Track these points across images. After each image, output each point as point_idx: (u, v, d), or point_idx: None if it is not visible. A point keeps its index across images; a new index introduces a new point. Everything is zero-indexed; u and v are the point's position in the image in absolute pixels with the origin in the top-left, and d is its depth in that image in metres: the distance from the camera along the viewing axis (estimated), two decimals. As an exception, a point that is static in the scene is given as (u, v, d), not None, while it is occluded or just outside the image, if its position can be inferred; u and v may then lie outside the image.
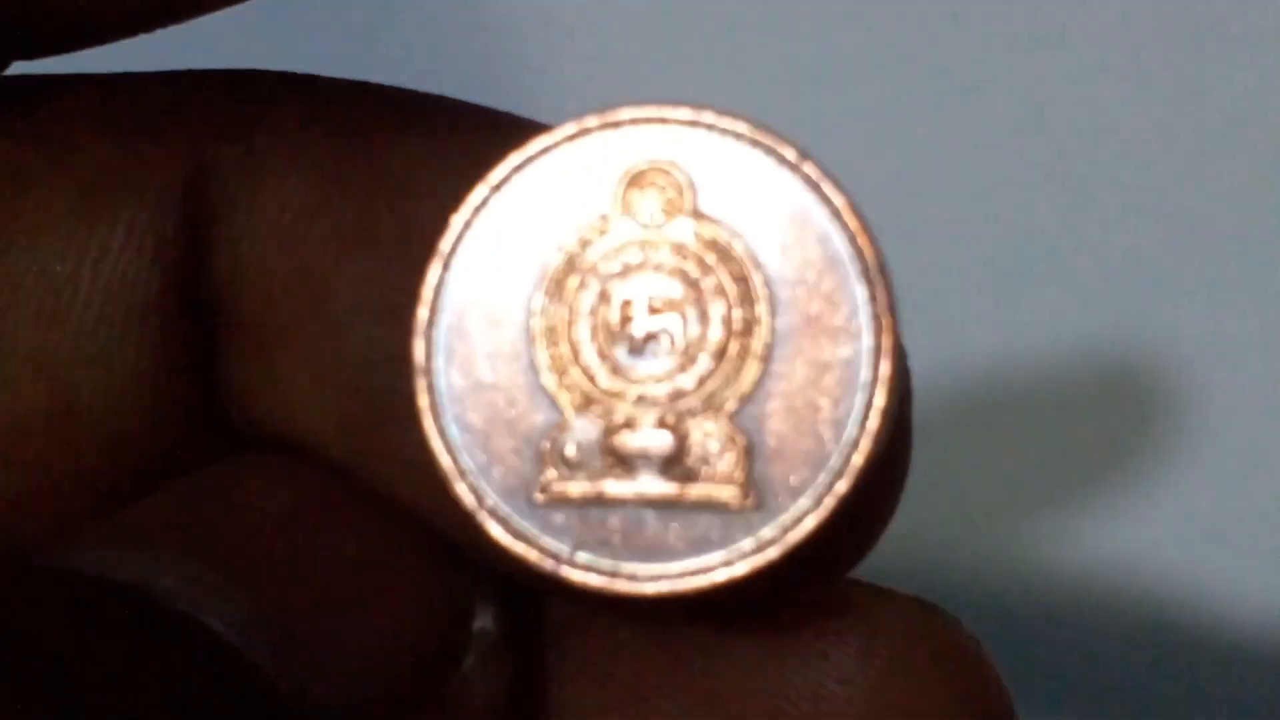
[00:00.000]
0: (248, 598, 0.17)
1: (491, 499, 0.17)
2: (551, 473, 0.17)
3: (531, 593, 0.19)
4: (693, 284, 0.17)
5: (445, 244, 0.17)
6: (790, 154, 0.17)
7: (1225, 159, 0.38)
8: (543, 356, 0.17)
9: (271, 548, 0.18)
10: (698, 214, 0.17)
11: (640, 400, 0.17)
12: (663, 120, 0.17)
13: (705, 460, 0.17)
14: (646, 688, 0.19)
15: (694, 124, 0.17)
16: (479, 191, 0.17)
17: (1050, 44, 0.38)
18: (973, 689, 0.19)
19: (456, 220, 0.17)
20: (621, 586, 0.17)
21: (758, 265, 0.17)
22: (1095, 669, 0.37)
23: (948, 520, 0.37)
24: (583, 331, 0.17)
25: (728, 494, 0.17)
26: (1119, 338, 0.38)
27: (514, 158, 0.17)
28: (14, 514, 0.19)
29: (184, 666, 0.17)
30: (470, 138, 0.19)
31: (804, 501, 0.17)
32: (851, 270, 0.17)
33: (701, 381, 0.17)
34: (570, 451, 0.17)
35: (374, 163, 0.19)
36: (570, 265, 0.17)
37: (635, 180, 0.17)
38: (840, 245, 0.17)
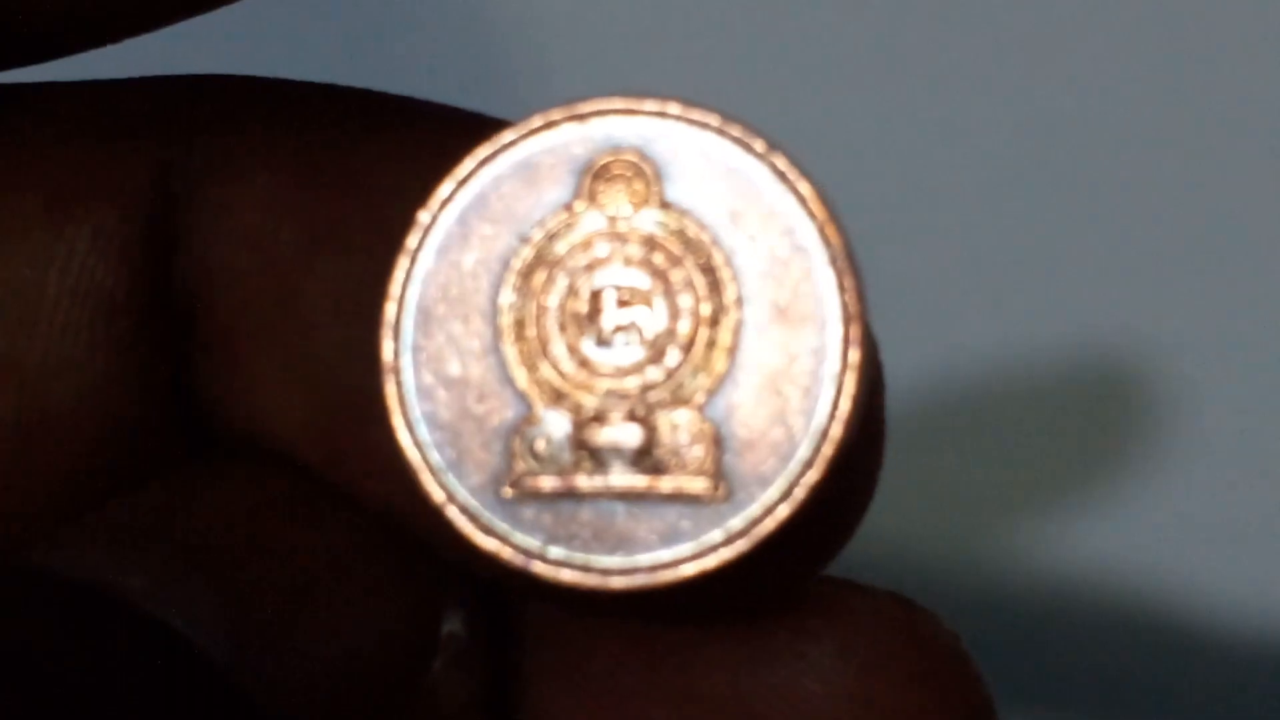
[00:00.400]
0: (215, 599, 0.17)
1: (461, 495, 0.17)
2: (521, 467, 0.17)
3: (503, 592, 0.19)
4: (661, 276, 0.17)
5: (412, 240, 0.17)
6: (758, 145, 0.17)
7: (1218, 158, 0.38)
8: (511, 351, 0.17)
9: (240, 548, 0.18)
10: (665, 205, 0.17)
11: (609, 393, 0.17)
12: (629, 112, 0.17)
13: (675, 452, 0.17)
14: (622, 687, 0.19)
15: (661, 115, 0.17)
16: (445, 187, 0.17)
17: (1046, 41, 0.38)
18: (952, 685, 0.18)
19: (423, 216, 0.17)
20: (593, 581, 0.17)
21: (726, 257, 0.17)
22: (1088, 668, 0.36)
23: (940, 520, 0.37)
24: (551, 325, 0.17)
25: (698, 486, 0.17)
26: (1110, 338, 0.38)
27: (480, 151, 0.17)
28: None
29: (150, 668, 0.16)
30: (439, 135, 0.19)
31: (774, 492, 0.17)
32: (818, 260, 0.17)
33: (670, 374, 0.17)
34: (540, 446, 0.17)
35: (343, 162, 0.19)
36: (538, 258, 0.17)
37: (602, 172, 0.17)
38: (807, 235, 0.17)
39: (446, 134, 0.19)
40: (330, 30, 0.38)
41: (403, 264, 0.17)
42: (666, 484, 0.17)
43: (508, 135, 0.17)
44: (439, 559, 0.18)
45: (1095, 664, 0.36)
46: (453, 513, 0.17)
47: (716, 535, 0.17)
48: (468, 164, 0.17)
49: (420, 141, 0.19)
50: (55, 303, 0.19)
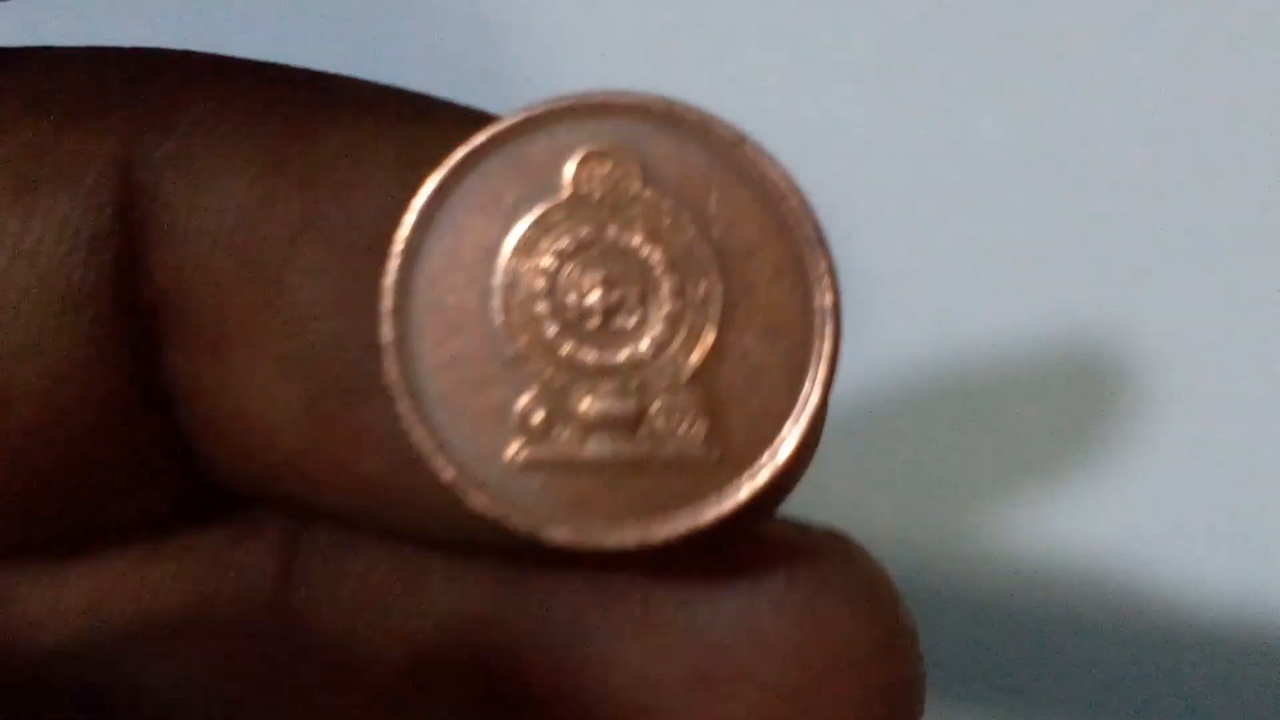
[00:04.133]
0: None
1: (468, 468, 0.18)
2: (523, 440, 0.18)
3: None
4: (646, 257, 0.18)
5: (404, 228, 0.18)
6: (731, 134, 0.18)
7: (1200, 151, 0.38)
8: (506, 331, 0.18)
9: None
10: (647, 192, 0.18)
11: (602, 368, 0.18)
12: (609, 106, 0.18)
13: (668, 420, 0.18)
14: (585, 625, 0.20)
15: (640, 109, 0.18)
16: (436, 176, 0.18)
17: (1041, 39, 0.39)
18: (883, 608, 0.20)
19: (416, 203, 0.18)
20: (595, 541, 0.18)
21: (707, 237, 0.18)
22: (1062, 657, 0.37)
23: (916, 509, 0.38)
24: (543, 306, 0.18)
25: (691, 451, 0.18)
26: (1084, 328, 0.38)
27: (471, 143, 0.18)
28: None
29: None
30: (402, 121, 0.20)
31: (761, 453, 0.18)
32: (794, 238, 0.18)
33: (659, 348, 0.18)
34: (539, 419, 0.18)
35: (311, 151, 0.19)
36: (527, 245, 0.18)
37: (585, 162, 0.18)
38: (782, 216, 0.18)
39: (412, 120, 0.20)
40: (325, 24, 0.38)
41: (396, 251, 0.18)
42: (660, 449, 0.18)
43: (495, 127, 0.18)
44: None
45: (1068, 653, 0.37)
46: (461, 486, 0.18)
47: (710, 495, 0.18)
48: (458, 154, 0.18)
49: (387, 128, 0.20)
50: (22, 290, 0.19)
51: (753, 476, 0.18)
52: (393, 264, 0.18)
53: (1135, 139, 0.39)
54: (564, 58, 0.36)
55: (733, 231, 0.18)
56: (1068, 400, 0.39)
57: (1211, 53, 0.39)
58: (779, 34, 0.38)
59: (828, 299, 0.18)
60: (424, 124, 0.20)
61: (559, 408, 0.18)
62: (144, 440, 0.20)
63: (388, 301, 0.18)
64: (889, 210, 0.38)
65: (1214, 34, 0.39)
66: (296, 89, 0.20)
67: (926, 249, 0.38)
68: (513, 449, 0.18)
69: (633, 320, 0.18)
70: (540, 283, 0.18)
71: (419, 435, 0.18)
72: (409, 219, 0.18)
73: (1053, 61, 0.39)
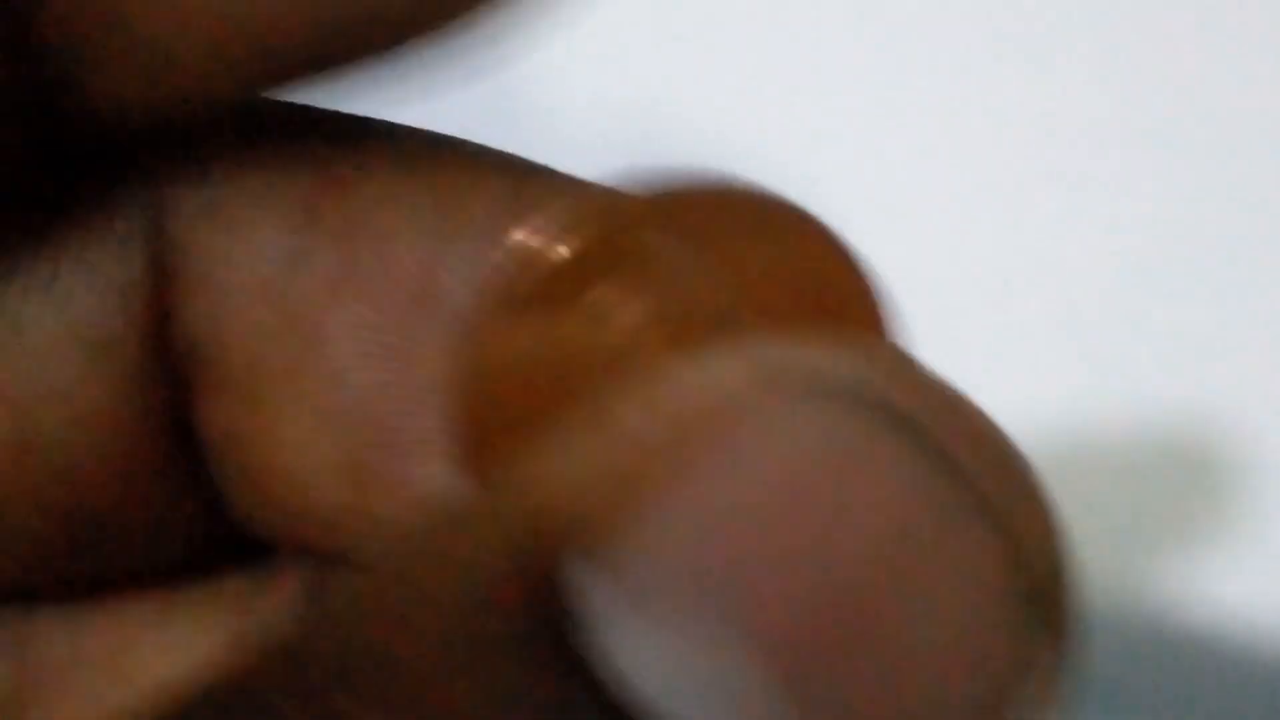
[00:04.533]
0: None
1: None
2: None
3: None
4: None
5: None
6: None
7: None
8: None
9: None
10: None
11: None
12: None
13: None
14: None
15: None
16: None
17: (1106, 66, 0.39)
18: None
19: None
20: None
21: None
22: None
23: None
24: None
25: None
26: (1178, 389, 0.38)
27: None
28: None
29: None
30: (437, 168, 0.19)
31: None
32: None
33: None
34: None
35: (345, 202, 0.19)
36: None
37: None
38: None
39: (441, 166, 0.19)
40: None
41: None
42: None
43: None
44: None
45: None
46: None
47: None
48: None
49: (418, 175, 0.19)
50: (50, 336, 0.19)
51: None
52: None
53: (1238, 191, 0.38)
54: (566, 62, 0.36)
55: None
56: (1186, 463, 0.38)
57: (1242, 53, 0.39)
58: (786, 32, 0.38)
59: None
60: (459, 171, 0.19)
61: None
62: (171, 488, 0.20)
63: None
64: (987, 268, 0.37)
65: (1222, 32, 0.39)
66: (328, 134, 0.20)
67: (1032, 310, 0.37)
68: None
69: None
70: None
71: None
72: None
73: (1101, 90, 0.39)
